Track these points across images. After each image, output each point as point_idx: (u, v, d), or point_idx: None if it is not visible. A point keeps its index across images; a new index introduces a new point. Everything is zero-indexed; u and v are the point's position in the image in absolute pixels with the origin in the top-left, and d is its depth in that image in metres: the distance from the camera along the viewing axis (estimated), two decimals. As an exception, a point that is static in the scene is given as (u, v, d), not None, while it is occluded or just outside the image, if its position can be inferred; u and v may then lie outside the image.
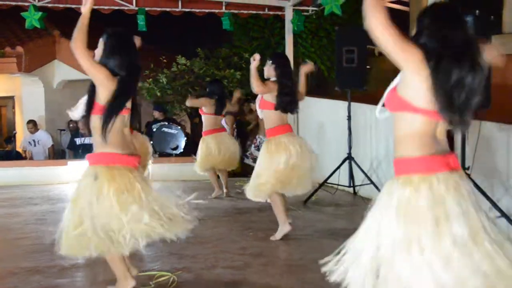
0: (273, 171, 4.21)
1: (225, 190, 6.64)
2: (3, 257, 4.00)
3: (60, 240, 2.82)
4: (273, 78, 4.33)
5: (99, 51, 2.86)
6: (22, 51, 10.66)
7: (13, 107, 12.07)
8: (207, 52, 10.29)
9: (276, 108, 4.28)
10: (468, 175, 4.22)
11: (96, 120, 2.81)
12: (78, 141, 9.05)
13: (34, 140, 9.31)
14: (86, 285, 3.45)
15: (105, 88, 2.78)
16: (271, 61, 4.37)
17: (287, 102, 4.29)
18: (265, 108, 4.38)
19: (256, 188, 4.31)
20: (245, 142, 8.80)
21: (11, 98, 12.06)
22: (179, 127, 8.98)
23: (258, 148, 7.78)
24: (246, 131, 9.13)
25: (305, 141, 4.46)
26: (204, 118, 6.49)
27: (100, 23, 12.21)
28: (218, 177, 6.73)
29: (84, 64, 2.72)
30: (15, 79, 11.40)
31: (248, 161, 8.57)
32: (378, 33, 1.87)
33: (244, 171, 8.32)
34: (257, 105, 4.61)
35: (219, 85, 6.63)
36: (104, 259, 2.93)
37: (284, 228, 4.35)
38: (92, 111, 2.84)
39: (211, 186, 6.72)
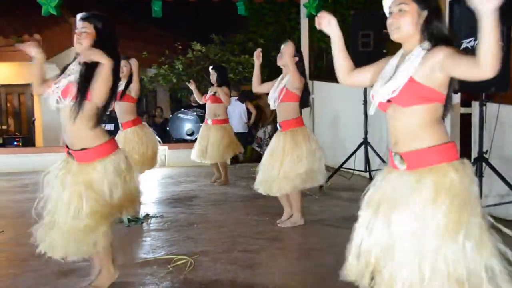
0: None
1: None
2: (24, 241, 4.08)
3: None
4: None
5: (89, 36, 2.71)
6: (39, 38, 10.74)
7: (32, 94, 12.20)
8: (222, 38, 10.27)
9: (303, 106, 4.29)
10: (486, 159, 4.19)
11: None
12: None
13: None
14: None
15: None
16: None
17: (307, 99, 4.32)
18: (291, 101, 4.22)
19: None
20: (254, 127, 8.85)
21: (30, 85, 12.17)
22: (195, 113, 8.99)
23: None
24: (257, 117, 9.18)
25: None
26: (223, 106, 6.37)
27: (116, 9, 12.26)
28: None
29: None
30: (33, 66, 11.52)
31: (254, 145, 8.64)
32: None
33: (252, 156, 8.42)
34: (274, 96, 4.31)
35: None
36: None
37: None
38: None
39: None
